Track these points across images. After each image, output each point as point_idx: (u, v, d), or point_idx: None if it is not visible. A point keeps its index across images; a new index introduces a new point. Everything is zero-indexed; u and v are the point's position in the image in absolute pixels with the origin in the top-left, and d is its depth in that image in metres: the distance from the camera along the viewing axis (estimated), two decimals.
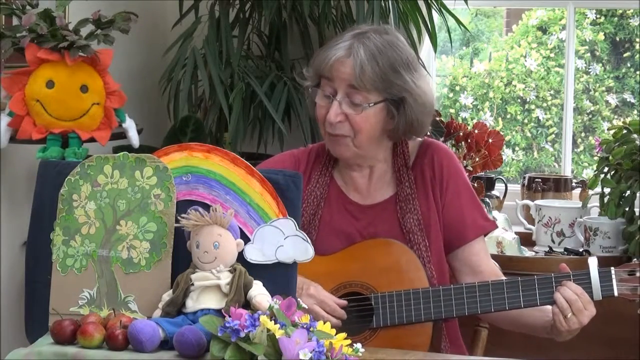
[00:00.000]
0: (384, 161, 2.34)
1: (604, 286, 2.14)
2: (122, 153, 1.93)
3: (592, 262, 2.16)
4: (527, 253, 3.20)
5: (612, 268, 2.16)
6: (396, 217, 2.29)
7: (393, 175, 2.33)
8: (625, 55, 4.04)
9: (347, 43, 2.22)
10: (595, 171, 3.17)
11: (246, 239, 1.87)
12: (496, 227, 2.40)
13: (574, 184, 3.51)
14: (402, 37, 2.30)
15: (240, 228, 1.88)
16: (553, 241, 3.25)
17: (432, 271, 2.25)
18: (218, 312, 1.78)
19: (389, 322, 2.19)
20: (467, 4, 3.28)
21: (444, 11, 3.28)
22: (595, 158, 3.58)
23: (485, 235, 2.35)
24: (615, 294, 2.14)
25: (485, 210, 2.42)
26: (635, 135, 3.07)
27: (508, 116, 4.13)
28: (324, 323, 2.07)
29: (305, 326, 1.66)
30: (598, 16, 4.03)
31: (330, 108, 2.22)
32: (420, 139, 2.38)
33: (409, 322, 2.18)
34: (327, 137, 2.28)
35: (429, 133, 3.17)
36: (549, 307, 2.17)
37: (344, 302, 2.19)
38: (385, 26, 2.35)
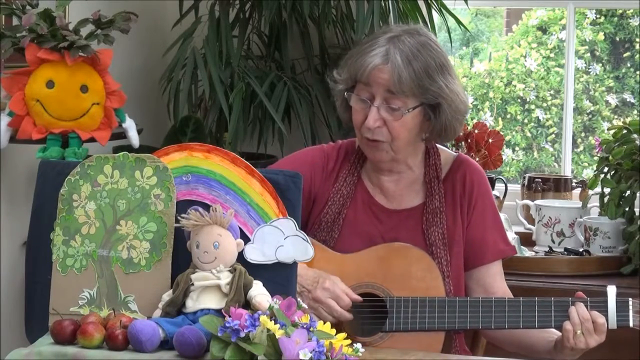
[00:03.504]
0: (415, 169, 2.33)
1: (620, 316, 2.12)
2: (122, 153, 1.93)
3: (611, 291, 2.15)
4: (527, 253, 3.20)
5: (630, 299, 2.14)
6: (421, 227, 2.29)
7: (423, 185, 2.32)
8: (625, 55, 4.04)
9: (383, 49, 2.20)
10: (595, 171, 3.17)
11: (246, 239, 1.87)
12: (515, 252, 2.40)
13: (574, 184, 3.51)
14: (433, 37, 2.29)
15: (240, 228, 1.88)
16: (553, 241, 3.25)
17: (451, 286, 2.24)
18: (218, 312, 1.78)
19: (402, 327, 2.17)
20: (467, 4, 3.28)
21: (444, 11, 3.28)
22: (595, 158, 3.58)
23: (503, 260, 2.36)
24: (631, 324, 2.13)
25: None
26: (635, 135, 3.07)
27: (508, 116, 4.13)
28: (336, 317, 2.08)
29: (305, 326, 1.66)
30: (598, 16, 4.03)
31: (369, 114, 2.20)
32: (454, 153, 2.38)
33: (422, 329, 2.17)
34: (364, 141, 2.26)
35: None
36: (554, 329, 2.17)
37: (359, 298, 2.18)
38: (417, 26, 2.32)
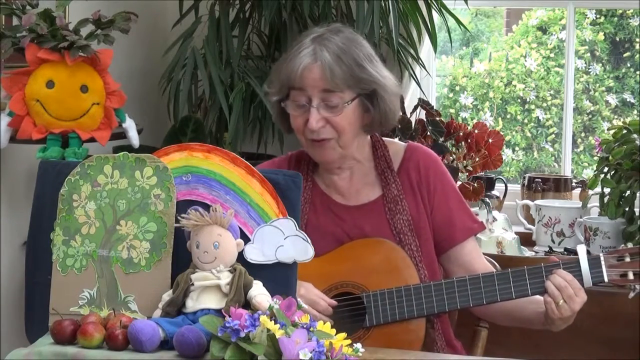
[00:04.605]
0: (364, 161, 2.35)
1: (593, 273, 2.16)
2: (122, 153, 1.93)
3: (581, 250, 2.18)
4: (527, 253, 3.20)
5: (601, 254, 2.18)
6: (385, 218, 2.30)
7: (377, 177, 2.34)
8: (625, 55, 4.04)
9: (309, 49, 2.22)
10: (595, 171, 3.17)
11: (246, 239, 1.87)
12: (484, 228, 2.42)
13: (574, 184, 3.51)
14: (356, 33, 2.33)
15: (240, 228, 1.88)
16: (553, 241, 3.25)
17: (425, 271, 2.25)
18: (218, 312, 1.78)
19: (382, 320, 2.19)
20: (467, 4, 3.28)
21: (444, 11, 3.28)
22: (595, 158, 3.58)
23: (475, 236, 2.37)
24: (606, 279, 2.16)
25: (475, 211, 2.43)
26: (635, 135, 3.07)
27: (508, 116, 4.13)
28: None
29: (305, 326, 1.66)
30: (598, 16, 4.03)
31: (310, 116, 2.21)
32: (404, 143, 2.39)
33: (402, 318, 2.19)
34: (309, 144, 2.28)
35: (428, 133, 3.19)
36: (542, 298, 2.18)
37: (333, 302, 2.19)
38: (339, 25, 2.36)
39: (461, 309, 2.23)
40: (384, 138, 2.39)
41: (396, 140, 2.44)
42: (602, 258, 2.17)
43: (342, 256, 2.26)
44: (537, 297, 2.20)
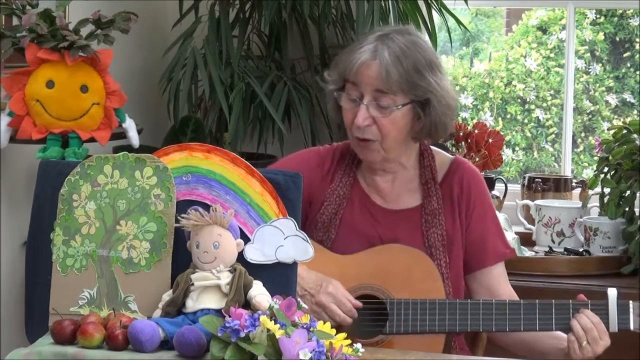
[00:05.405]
0: (409, 168, 2.33)
1: (621, 319, 2.13)
2: (122, 153, 1.93)
3: (612, 294, 2.14)
4: (527, 253, 3.20)
5: (631, 302, 2.14)
6: (420, 228, 2.28)
7: (419, 186, 2.32)
8: (625, 55, 4.04)
9: (371, 46, 2.21)
10: (595, 171, 3.18)
11: (246, 239, 1.87)
12: (515, 255, 2.39)
13: (574, 184, 3.51)
14: (423, 37, 2.31)
15: (240, 228, 1.88)
16: (553, 241, 3.25)
17: (450, 288, 2.24)
18: (218, 312, 1.78)
19: (402, 329, 2.17)
20: (467, 4, 3.28)
21: (444, 11, 3.28)
22: (595, 158, 3.58)
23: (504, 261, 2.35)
24: (632, 327, 2.13)
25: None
26: (635, 135, 3.07)
27: (508, 116, 4.13)
28: (338, 322, 2.08)
29: (305, 326, 1.66)
30: (598, 16, 4.03)
31: (358, 112, 2.21)
32: (451, 156, 2.38)
33: (423, 331, 2.16)
34: (355, 141, 2.26)
35: None
36: (563, 334, 2.16)
37: (359, 304, 2.17)
38: (407, 27, 2.33)
39: (483, 331, 2.21)
40: (432, 147, 2.37)
41: (442, 151, 2.40)
42: (631, 305, 2.13)
43: (372, 258, 2.24)
44: (558, 332, 2.18)
